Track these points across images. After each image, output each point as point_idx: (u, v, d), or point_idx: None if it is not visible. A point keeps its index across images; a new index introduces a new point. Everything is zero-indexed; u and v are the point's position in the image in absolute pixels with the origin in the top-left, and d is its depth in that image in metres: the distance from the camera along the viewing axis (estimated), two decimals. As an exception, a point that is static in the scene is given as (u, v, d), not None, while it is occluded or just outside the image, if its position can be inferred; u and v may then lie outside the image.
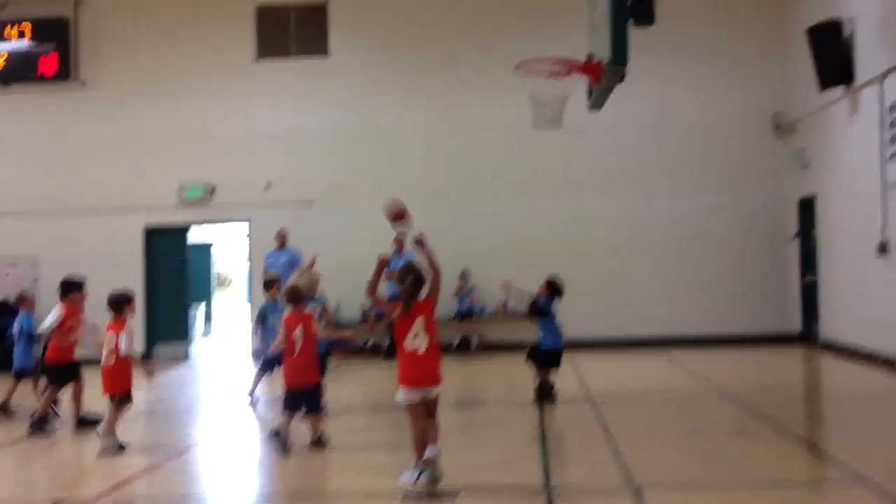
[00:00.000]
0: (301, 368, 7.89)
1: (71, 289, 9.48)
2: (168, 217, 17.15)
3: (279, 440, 7.73)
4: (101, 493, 6.60)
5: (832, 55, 12.84)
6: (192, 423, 10.37)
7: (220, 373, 14.99)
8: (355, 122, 16.85)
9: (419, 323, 6.48)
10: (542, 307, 10.20)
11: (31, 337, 10.38)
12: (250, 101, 17.08)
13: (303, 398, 7.87)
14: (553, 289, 10.25)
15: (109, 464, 7.64)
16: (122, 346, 8.13)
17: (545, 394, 10.02)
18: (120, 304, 8.32)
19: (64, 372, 9.35)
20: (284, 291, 8.34)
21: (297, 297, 8.10)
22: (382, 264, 7.11)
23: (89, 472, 7.61)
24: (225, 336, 21.34)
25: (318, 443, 7.85)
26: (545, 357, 10.12)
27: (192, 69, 17.08)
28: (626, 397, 10.48)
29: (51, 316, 9.37)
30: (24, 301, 10.75)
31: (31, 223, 17.17)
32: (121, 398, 8.19)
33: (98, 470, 7.54)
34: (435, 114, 16.73)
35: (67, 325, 9.30)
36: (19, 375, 10.42)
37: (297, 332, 7.88)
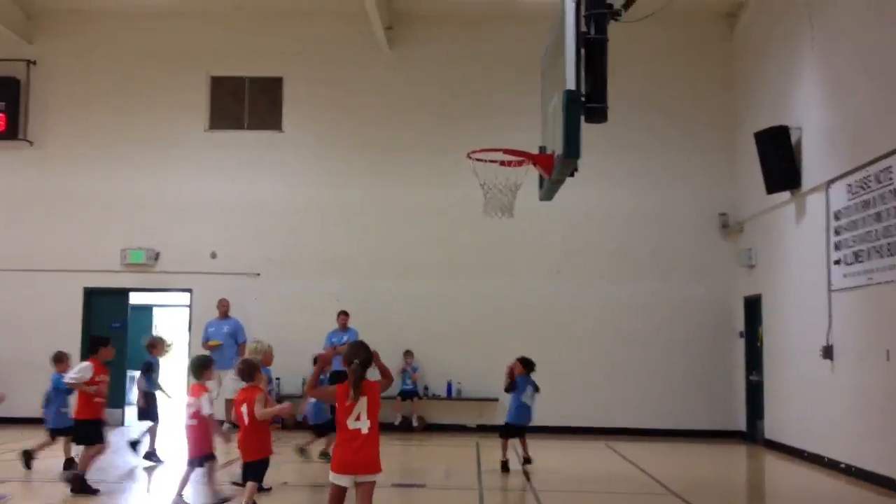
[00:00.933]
0: (244, 443, 7.80)
1: (100, 344, 9.75)
2: (109, 280, 16.82)
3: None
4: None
5: (779, 160, 13.22)
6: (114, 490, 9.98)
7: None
8: (304, 196, 16.82)
9: (363, 404, 6.14)
10: (517, 383, 11.26)
11: (65, 395, 10.47)
12: (200, 170, 16.97)
13: (245, 469, 7.79)
14: (527, 366, 11.36)
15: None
16: (205, 408, 8.34)
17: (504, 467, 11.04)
18: (201, 368, 8.59)
19: (94, 428, 9.46)
20: (237, 367, 8.32)
21: (251, 372, 8.01)
22: (323, 363, 7.04)
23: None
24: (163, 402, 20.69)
25: None
26: (504, 428, 11.31)
27: (143, 135, 16.94)
28: (568, 485, 10.38)
29: (78, 371, 9.46)
30: (60, 361, 10.88)
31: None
32: (202, 459, 8.41)
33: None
34: (384, 191, 16.76)
35: (95, 381, 9.42)
36: (55, 434, 10.53)
37: (244, 408, 7.77)
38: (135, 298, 17.87)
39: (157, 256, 16.82)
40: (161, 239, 16.86)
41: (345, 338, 15.52)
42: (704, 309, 16.31)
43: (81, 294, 16.81)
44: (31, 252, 16.74)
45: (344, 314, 15.68)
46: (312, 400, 10.64)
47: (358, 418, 6.09)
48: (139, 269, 16.80)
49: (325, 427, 11.21)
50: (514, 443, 11.30)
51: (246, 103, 17.30)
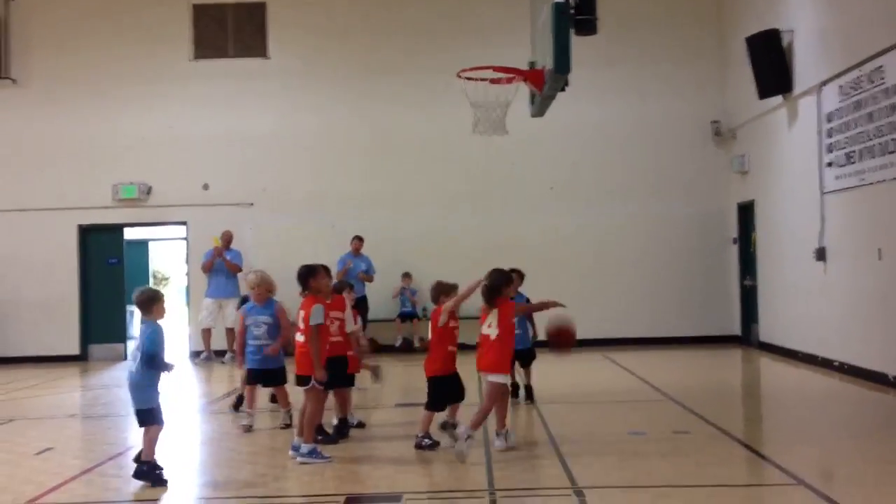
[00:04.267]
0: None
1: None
2: (103, 217, 16.76)
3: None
4: (33, 498, 6.41)
5: (771, 65, 13.11)
6: (129, 426, 10.12)
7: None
8: (295, 124, 16.69)
9: (494, 315, 7.61)
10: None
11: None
12: (187, 102, 16.77)
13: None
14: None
15: (44, 468, 7.44)
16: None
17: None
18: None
19: None
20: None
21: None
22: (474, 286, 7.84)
23: (23, 476, 7.37)
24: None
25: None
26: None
27: (128, 68, 16.67)
28: (568, 399, 10.54)
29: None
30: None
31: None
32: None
33: (33, 474, 7.32)
34: (375, 116, 16.63)
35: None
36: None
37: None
38: (130, 234, 17.90)
39: (149, 191, 16.73)
40: (153, 173, 16.74)
41: (362, 265, 15.60)
42: (698, 217, 16.37)
43: (76, 232, 16.77)
44: (22, 192, 16.63)
45: (358, 239, 15.72)
46: None
47: (490, 325, 7.59)
48: (132, 204, 16.73)
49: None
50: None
51: (229, 31, 17.00)
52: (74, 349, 16.30)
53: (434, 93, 15.97)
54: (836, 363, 11.69)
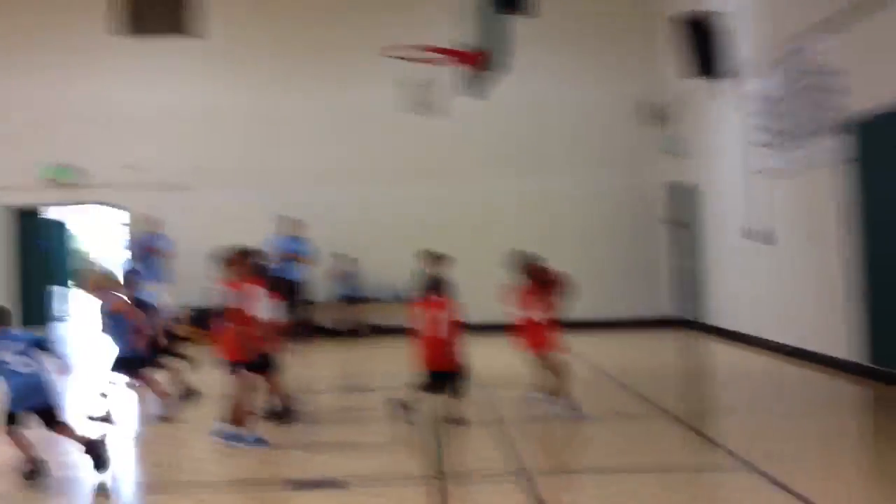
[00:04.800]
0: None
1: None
2: (32, 198, 16.28)
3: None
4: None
5: (701, 44, 13.18)
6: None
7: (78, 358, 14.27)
8: (226, 103, 16.40)
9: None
10: None
11: None
12: (116, 79, 16.34)
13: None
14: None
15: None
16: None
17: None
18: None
19: None
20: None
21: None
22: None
23: None
24: (84, 319, 20.34)
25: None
26: None
27: (51, 42, 16.19)
28: (512, 381, 10.47)
29: None
30: None
31: None
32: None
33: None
34: (308, 94, 16.44)
35: None
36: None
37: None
38: (59, 215, 17.41)
39: (76, 172, 16.22)
40: (85, 153, 16.29)
41: (303, 247, 15.23)
42: (634, 198, 16.51)
43: (2, 214, 16.20)
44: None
45: (295, 221, 15.41)
46: None
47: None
48: (64, 185, 16.20)
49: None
50: None
51: (160, 5, 16.47)
52: None
53: (368, 71, 15.83)
54: (774, 343, 11.86)
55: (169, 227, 15.59)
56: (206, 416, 7.97)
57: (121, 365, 8.61)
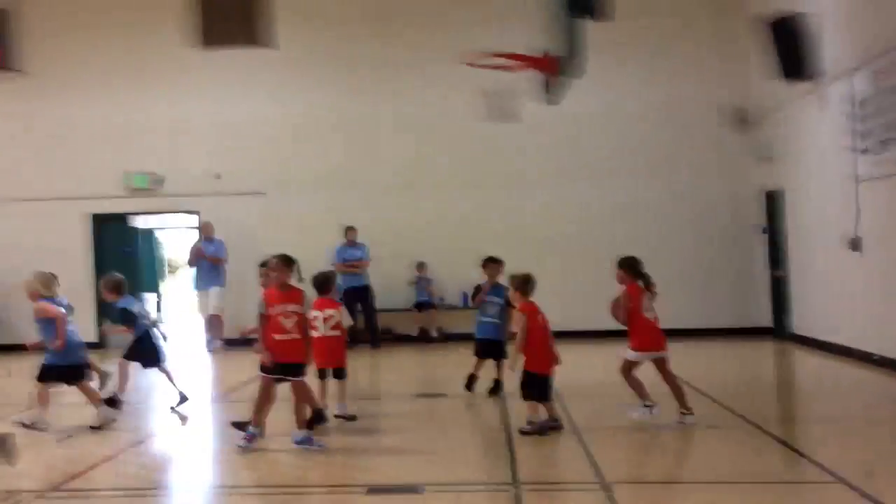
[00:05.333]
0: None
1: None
2: (115, 206, 16.69)
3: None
4: (58, 483, 6.28)
5: (797, 48, 12.75)
6: (148, 413, 9.97)
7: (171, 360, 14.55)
8: (304, 113, 16.45)
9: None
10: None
11: None
12: (196, 91, 16.58)
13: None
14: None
15: (69, 454, 7.32)
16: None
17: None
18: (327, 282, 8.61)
19: None
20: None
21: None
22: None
23: (48, 462, 7.24)
24: (174, 323, 20.85)
25: None
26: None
27: (134, 57, 16.51)
28: (591, 391, 10.29)
29: None
30: None
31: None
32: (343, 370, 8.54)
33: (58, 460, 7.21)
34: (387, 104, 16.36)
35: None
36: None
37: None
38: (141, 223, 17.85)
39: (160, 180, 16.62)
40: (164, 162, 16.60)
41: (358, 253, 15.46)
42: (723, 205, 16.04)
43: (89, 221, 16.71)
44: (35, 182, 16.56)
45: (351, 229, 15.57)
46: None
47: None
48: (144, 193, 16.62)
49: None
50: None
51: (236, 19, 16.72)
52: (91, 337, 16.12)
53: (445, 78, 15.75)
54: (876, 357, 11.30)
55: (247, 234, 15.91)
56: (282, 424, 7.99)
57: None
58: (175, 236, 23.09)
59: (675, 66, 16.15)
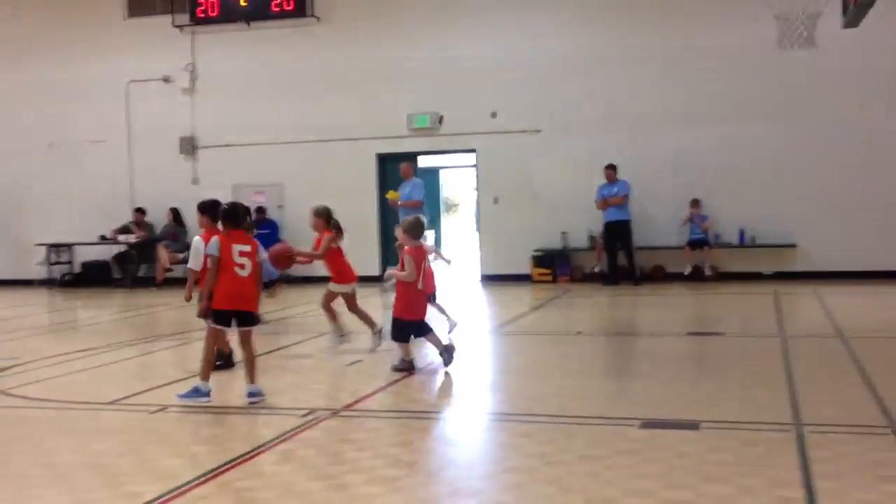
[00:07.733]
0: None
1: None
2: (398, 146, 17.59)
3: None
4: (348, 404, 6.92)
5: None
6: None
7: (453, 295, 15.30)
8: (581, 50, 16.50)
9: None
10: None
11: None
12: (476, 31, 17.05)
13: None
14: None
15: (356, 378, 8.02)
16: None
17: None
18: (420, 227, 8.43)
19: None
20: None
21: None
22: None
23: (339, 384, 8.00)
24: (455, 259, 21.73)
25: None
26: None
27: (419, 3, 17.25)
28: (881, 332, 9.69)
29: None
30: None
31: (277, 152, 18.10)
32: None
33: (346, 383, 7.93)
34: (663, 38, 16.05)
35: None
36: None
37: None
38: (423, 162, 18.65)
39: (441, 120, 17.29)
40: (444, 103, 17.27)
41: (615, 189, 15.40)
42: None
43: (375, 160, 17.75)
44: (326, 123, 17.80)
45: (610, 167, 15.49)
46: None
47: None
48: (425, 133, 17.39)
49: None
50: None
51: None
52: (375, 270, 17.27)
53: (734, 7, 15.16)
54: None
55: (522, 172, 16.27)
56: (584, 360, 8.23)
57: None
58: (454, 175, 24.01)
59: None
